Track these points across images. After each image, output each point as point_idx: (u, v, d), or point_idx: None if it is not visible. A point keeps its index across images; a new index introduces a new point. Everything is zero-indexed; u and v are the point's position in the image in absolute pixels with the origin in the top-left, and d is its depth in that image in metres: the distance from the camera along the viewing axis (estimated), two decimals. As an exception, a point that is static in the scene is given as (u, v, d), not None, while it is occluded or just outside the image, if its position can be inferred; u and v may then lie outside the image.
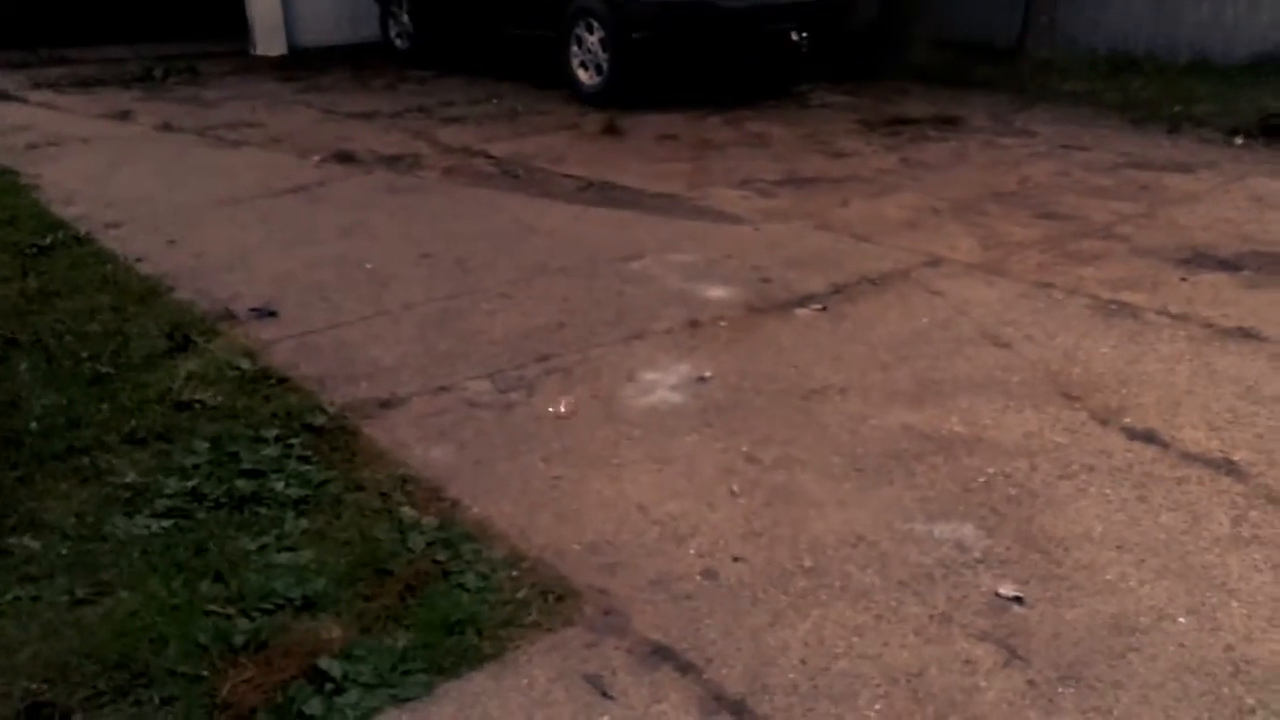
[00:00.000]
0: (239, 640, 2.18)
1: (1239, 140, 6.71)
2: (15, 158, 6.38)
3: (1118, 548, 2.57)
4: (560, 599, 2.37)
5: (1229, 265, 4.51)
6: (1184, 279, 4.36)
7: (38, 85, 8.94)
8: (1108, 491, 2.81)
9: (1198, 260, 4.58)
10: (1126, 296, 4.16)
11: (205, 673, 2.10)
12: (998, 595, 2.39)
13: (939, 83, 8.64)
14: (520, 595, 2.37)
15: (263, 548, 2.52)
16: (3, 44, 10.09)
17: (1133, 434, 3.11)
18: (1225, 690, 2.12)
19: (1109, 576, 2.46)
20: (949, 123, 7.37)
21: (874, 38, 9.26)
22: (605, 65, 7.94)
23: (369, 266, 4.54)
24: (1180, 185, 5.81)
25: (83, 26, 10.73)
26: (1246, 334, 3.81)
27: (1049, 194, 5.65)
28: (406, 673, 2.12)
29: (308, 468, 2.88)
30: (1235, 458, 2.97)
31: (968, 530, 2.64)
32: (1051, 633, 2.28)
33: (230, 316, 3.96)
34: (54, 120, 7.61)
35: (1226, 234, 4.93)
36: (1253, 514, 2.71)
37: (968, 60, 9.06)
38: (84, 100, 8.38)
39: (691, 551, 2.56)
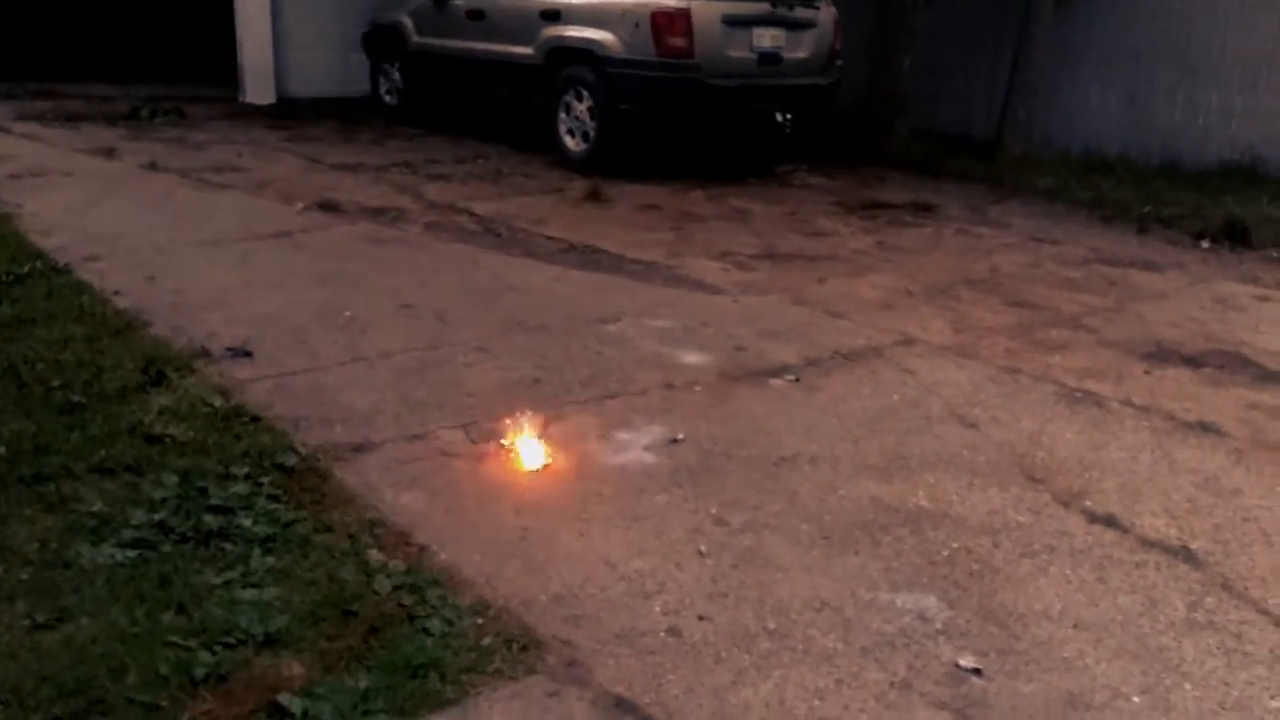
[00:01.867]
0: (200, 672, 2.17)
1: (1206, 243, 6.89)
2: (-3, 187, 6.39)
3: (1075, 626, 2.61)
4: (524, 648, 2.37)
5: (1192, 362, 4.63)
6: (1148, 372, 4.47)
7: (23, 118, 8.95)
8: (1068, 571, 2.86)
9: (1162, 355, 4.69)
10: (1092, 385, 4.25)
11: (164, 703, 2.08)
12: (958, 666, 2.42)
13: (917, 171, 8.84)
14: (485, 642, 2.37)
15: (227, 583, 2.51)
16: (-11, 76, 10.13)
17: (1093, 517, 3.17)
18: (1178, 771, 2.14)
19: (1066, 654, 2.50)
20: (925, 210, 7.54)
21: (857, 124, 9.51)
22: (592, 133, 8.07)
23: (348, 314, 4.56)
24: (1148, 283, 5.96)
25: (71, 63, 10.79)
26: (1207, 428, 3.90)
27: (1019, 283, 5.78)
28: (367, 713, 2.11)
29: (276, 507, 2.87)
30: (1193, 546, 3.03)
31: (930, 602, 2.67)
32: (1009, 705, 2.30)
33: (206, 354, 3.96)
34: (38, 153, 7.63)
35: (1191, 332, 5.06)
36: (1208, 600, 2.76)
37: (946, 151, 9.30)
38: (69, 135, 8.41)
39: (657, 608, 2.57)
